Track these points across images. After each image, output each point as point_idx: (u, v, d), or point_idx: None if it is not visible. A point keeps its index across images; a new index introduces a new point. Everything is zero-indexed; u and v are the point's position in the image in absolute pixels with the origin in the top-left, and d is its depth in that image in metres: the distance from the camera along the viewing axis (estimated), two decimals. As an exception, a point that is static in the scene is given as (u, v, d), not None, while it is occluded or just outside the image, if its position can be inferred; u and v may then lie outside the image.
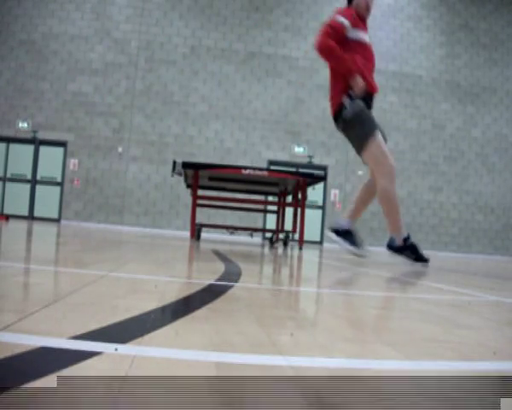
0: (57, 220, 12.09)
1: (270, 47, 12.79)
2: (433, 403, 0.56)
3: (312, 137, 12.74)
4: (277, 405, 0.52)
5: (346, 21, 3.54)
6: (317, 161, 12.69)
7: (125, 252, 2.81)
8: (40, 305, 0.91)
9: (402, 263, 3.68)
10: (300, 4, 12.93)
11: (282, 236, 7.03)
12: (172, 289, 1.37)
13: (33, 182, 12.25)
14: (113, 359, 0.62)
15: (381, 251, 10.73)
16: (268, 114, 12.66)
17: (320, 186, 12.06)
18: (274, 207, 7.43)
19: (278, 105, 12.71)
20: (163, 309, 1.02)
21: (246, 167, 5.98)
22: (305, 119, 12.71)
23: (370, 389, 0.60)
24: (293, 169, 11.57)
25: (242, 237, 10.57)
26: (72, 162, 12.21)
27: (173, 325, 0.86)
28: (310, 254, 5.01)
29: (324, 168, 12.40)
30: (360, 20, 3.69)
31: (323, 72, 13.14)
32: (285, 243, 6.50)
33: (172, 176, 6.44)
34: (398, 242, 3.60)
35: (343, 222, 3.83)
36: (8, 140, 12.22)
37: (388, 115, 12.91)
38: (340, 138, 13.19)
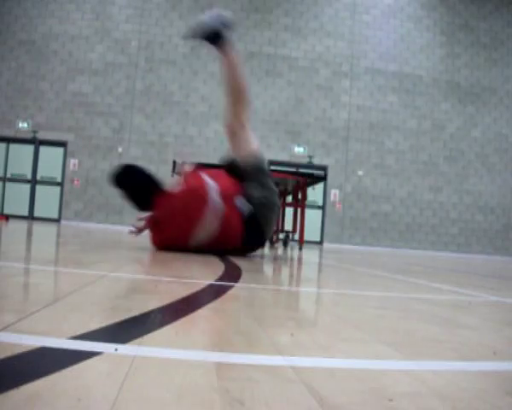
0: (57, 220, 12.09)
1: (270, 47, 12.79)
2: (434, 403, 0.56)
3: (312, 137, 12.74)
4: (277, 405, 0.52)
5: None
6: (317, 161, 12.69)
7: (125, 252, 2.81)
8: (40, 305, 0.91)
9: (401, 263, 3.68)
10: (300, 4, 12.93)
11: (281, 236, 7.03)
12: (172, 289, 1.37)
13: (33, 182, 12.25)
14: (113, 359, 0.62)
15: (382, 251, 10.74)
16: (268, 114, 12.66)
17: (320, 186, 12.06)
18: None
19: (278, 105, 12.72)
20: (163, 309, 1.02)
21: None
22: (305, 119, 12.71)
23: (370, 389, 0.60)
24: (293, 169, 11.57)
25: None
26: (72, 162, 12.21)
27: (173, 325, 0.86)
28: (310, 255, 5.01)
29: (324, 168, 12.40)
30: None
31: (323, 72, 13.19)
32: (285, 243, 6.50)
33: (172, 176, 6.44)
34: None
35: None
36: (8, 140, 12.22)
37: (388, 115, 12.91)
38: (340, 138, 13.23)
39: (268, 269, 2.70)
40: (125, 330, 0.80)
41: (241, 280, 1.77)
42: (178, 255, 2.85)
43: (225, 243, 3.15)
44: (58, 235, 4.73)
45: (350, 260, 4.28)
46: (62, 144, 12.23)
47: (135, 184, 2.99)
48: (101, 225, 11.61)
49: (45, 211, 12.16)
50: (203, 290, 1.41)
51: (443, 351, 0.85)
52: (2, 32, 12.27)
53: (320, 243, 12.53)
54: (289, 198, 7.40)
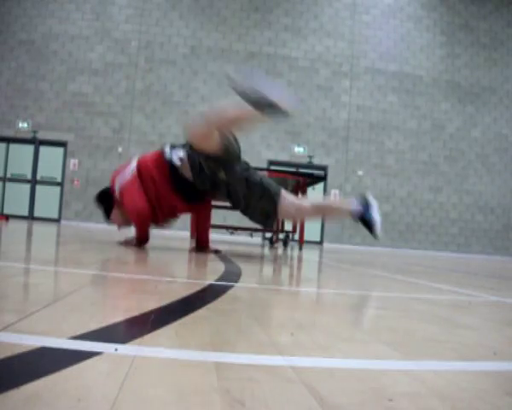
0: (57, 220, 12.08)
1: (270, 47, 12.79)
2: (433, 403, 0.56)
3: (312, 137, 12.74)
4: (277, 405, 0.52)
5: None
6: (316, 161, 12.68)
7: (124, 252, 2.81)
8: (40, 305, 0.91)
9: (401, 263, 3.68)
10: (300, 4, 12.93)
11: (281, 236, 7.03)
12: (172, 289, 1.37)
13: (33, 182, 12.25)
14: (113, 359, 0.62)
15: (382, 251, 10.72)
16: (268, 114, 12.65)
17: (320, 186, 12.06)
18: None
19: (278, 105, 12.70)
20: (163, 309, 1.02)
21: (246, 167, 5.96)
22: (305, 119, 12.71)
23: (370, 389, 0.60)
24: (293, 169, 11.57)
25: (242, 237, 10.57)
26: (72, 162, 12.20)
27: (173, 325, 0.86)
28: (310, 255, 5.01)
29: (324, 168, 12.40)
30: None
31: (323, 72, 13.18)
32: (285, 244, 6.50)
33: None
34: None
35: None
36: (8, 140, 12.22)
37: (388, 115, 12.91)
38: (340, 138, 13.22)
39: (268, 269, 2.70)
40: (125, 330, 0.80)
41: (241, 280, 1.77)
42: (178, 256, 2.86)
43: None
44: (58, 235, 4.73)
45: (350, 261, 4.28)
46: (62, 144, 12.23)
47: (107, 202, 3.60)
48: (100, 226, 11.61)
49: (45, 211, 12.16)
50: (203, 290, 1.41)
51: (443, 351, 0.85)
52: (3, 32, 12.27)
53: (320, 243, 12.53)
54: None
